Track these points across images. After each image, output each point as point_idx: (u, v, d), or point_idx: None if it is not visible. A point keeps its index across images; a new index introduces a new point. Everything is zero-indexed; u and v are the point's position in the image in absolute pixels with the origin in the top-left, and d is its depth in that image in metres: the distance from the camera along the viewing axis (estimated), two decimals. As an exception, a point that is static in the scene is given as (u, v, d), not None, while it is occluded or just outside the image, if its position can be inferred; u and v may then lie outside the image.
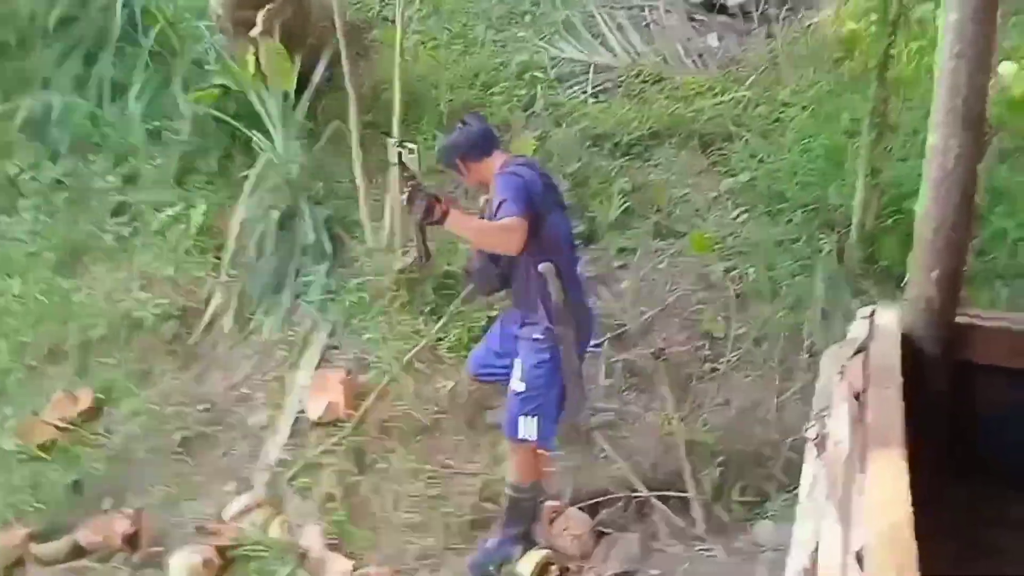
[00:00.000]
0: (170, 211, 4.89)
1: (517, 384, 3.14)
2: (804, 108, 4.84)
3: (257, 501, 3.71)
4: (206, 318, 4.48)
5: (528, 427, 3.12)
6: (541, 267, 3.02)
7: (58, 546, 3.63)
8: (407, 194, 2.86)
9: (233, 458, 4.00)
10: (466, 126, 3.19)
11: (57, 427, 4.01)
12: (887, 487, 1.47)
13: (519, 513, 3.35)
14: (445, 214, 2.85)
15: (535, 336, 3.12)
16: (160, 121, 5.18)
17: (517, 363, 3.16)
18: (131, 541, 3.65)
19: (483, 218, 3.15)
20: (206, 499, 3.81)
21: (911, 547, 1.29)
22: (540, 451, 3.28)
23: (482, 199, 3.31)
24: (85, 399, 4.13)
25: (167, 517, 3.75)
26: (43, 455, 3.93)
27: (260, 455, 3.96)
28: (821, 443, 1.97)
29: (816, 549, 1.93)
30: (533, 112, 5.18)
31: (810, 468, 2.08)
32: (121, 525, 3.65)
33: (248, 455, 3.99)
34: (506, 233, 2.93)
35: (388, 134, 4.11)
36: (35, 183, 5.22)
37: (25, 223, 5.05)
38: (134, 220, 5.00)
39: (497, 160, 3.14)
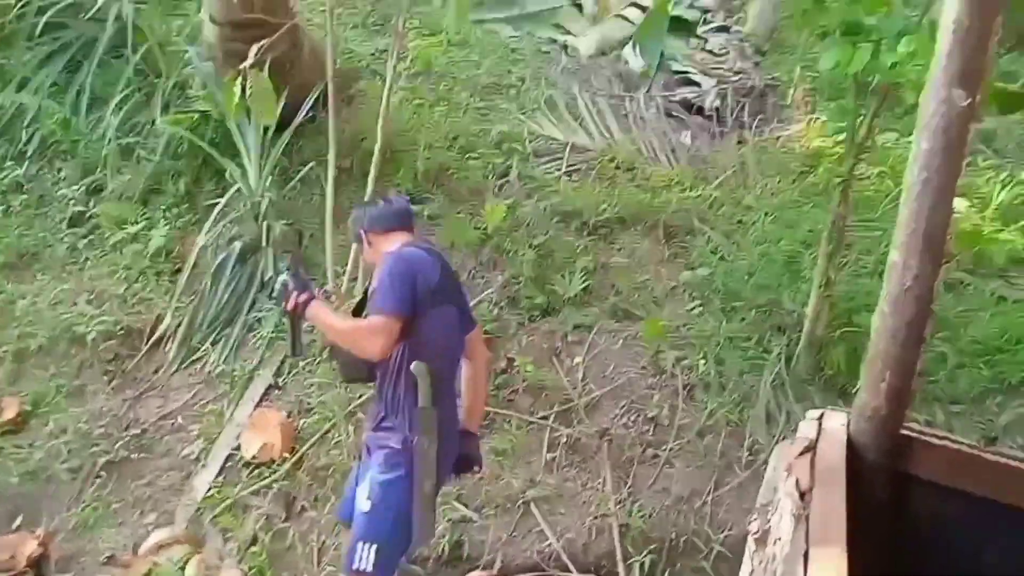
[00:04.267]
0: (130, 229, 4.82)
1: (362, 503, 2.64)
2: (766, 214, 5.02)
3: (176, 537, 3.58)
4: (151, 341, 4.38)
5: (365, 556, 2.59)
6: (413, 366, 2.60)
7: (-42, 560, 3.44)
8: (279, 285, 2.62)
9: (156, 488, 3.87)
10: (384, 202, 2.89)
11: (-23, 434, 3.84)
12: (828, 586, 1.49)
13: None
14: (303, 304, 2.56)
15: (390, 445, 2.65)
16: (134, 138, 5.14)
17: (366, 477, 2.67)
18: (37, 564, 3.49)
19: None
20: (123, 528, 3.68)
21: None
22: None
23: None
24: (11, 408, 3.98)
25: (79, 543, 3.59)
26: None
27: (186, 488, 3.84)
28: (762, 538, 1.99)
29: (748, 644, 1.94)
30: (507, 181, 5.28)
31: (748, 562, 2.10)
32: (29, 546, 3.50)
33: (173, 487, 3.87)
34: (370, 337, 2.54)
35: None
36: (-6, 182, 5.12)
37: (-23, 221, 4.94)
38: (91, 233, 4.92)
39: (397, 239, 2.76)
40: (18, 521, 3.68)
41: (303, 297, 2.55)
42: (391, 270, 2.60)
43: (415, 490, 2.61)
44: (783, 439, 3.64)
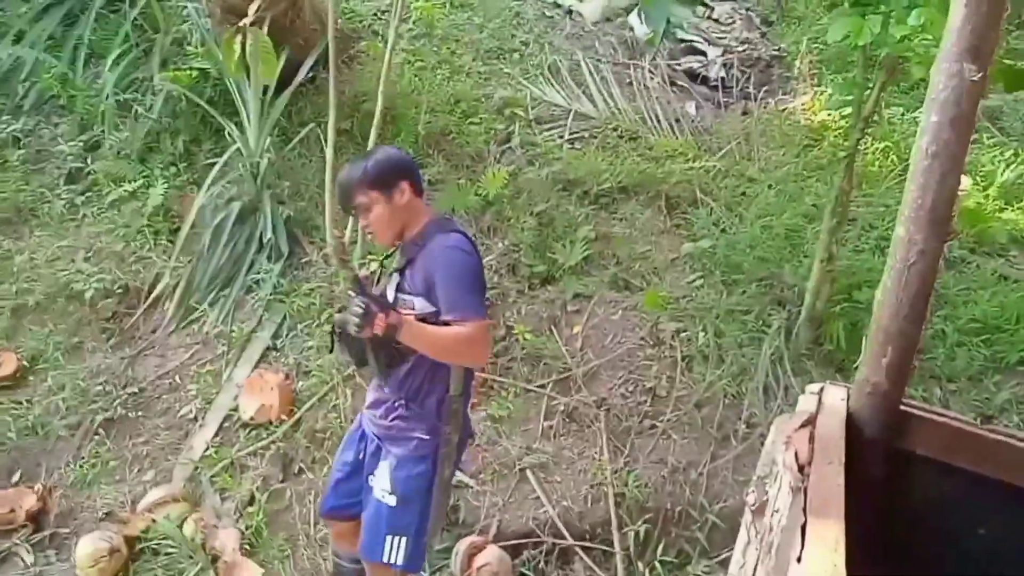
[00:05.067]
0: (128, 186, 4.78)
1: (385, 496, 2.55)
2: (770, 187, 5.00)
3: (174, 495, 3.59)
4: (149, 300, 4.36)
5: (395, 550, 2.55)
6: None
7: (-43, 513, 3.46)
8: (357, 305, 2.22)
9: (154, 447, 3.88)
10: (376, 156, 2.52)
11: (-25, 389, 3.84)
12: (825, 558, 1.50)
13: None
14: (395, 325, 2.24)
15: (416, 435, 2.52)
16: (132, 94, 5.08)
17: (383, 469, 2.56)
18: (36, 518, 3.51)
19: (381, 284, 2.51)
20: (121, 485, 3.69)
21: (844, 619, 1.32)
22: None
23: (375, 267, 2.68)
24: (9, 364, 3.97)
25: (78, 498, 3.61)
26: (-45, 417, 3.76)
27: (183, 447, 3.85)
28: (759, 509, 2.00)
29: (742, 613, 1.96)
30: (509, 147, 5.24)
31: (745, 532, 2.12)
32: (28, 501, 3.51)
33: (171, 446, 3.88)
34: (475, 346, 2.36)
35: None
36: (-9, 136, 5.06)
37: (-26, 176, 4.89)
38: (88, 190, 4.88)
39: (423, 211, 2.50)
40: (16, 476, 3.69)
41: (393, 318, 2.22)
42: (462, 270, 2.37)
43: (436, 478, 2.57)
44: (780, 412, 3.66)
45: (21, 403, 3.88)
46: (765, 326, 4.18)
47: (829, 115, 5.58)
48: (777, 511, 1.86)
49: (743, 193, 4.98)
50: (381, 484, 2.56)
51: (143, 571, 3.33)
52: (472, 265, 2.42)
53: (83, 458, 3.77)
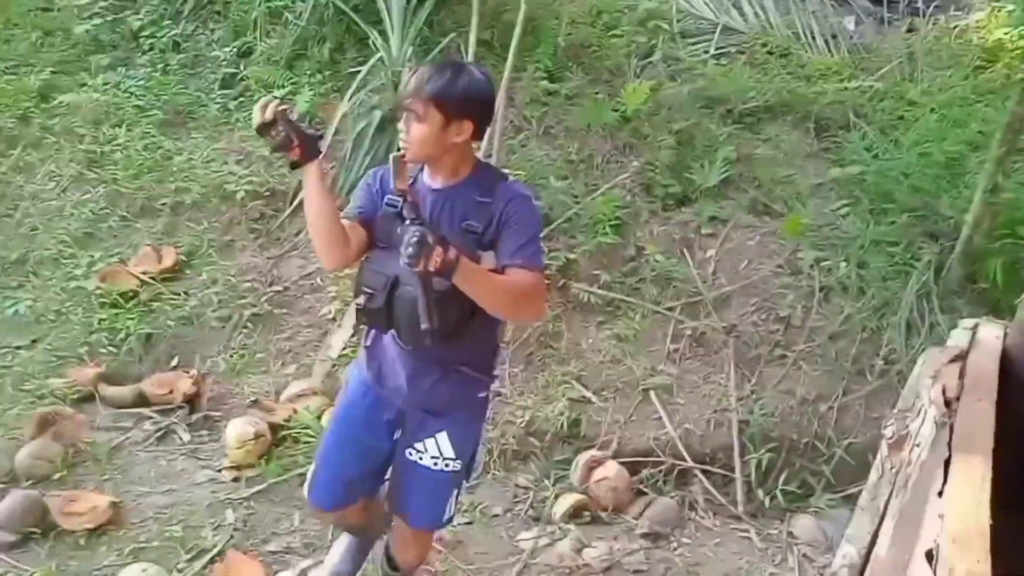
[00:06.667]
0: (277, 92, 4.94)
1: (450, 464, 2.30)
2: (932, 110, 4.64)
3: (313, 388, 3.81)
4: (294, 204, 4.55)
5: (454, 504, 2.40)
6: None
7: (125, 391, 3.80)
8: (413, 234, 1.81)
9: (296, 343, 4.10)
10: (467, 69, 2.09)
11: (139, 279, 4.16)
12: (968, 494, 1.43)
13: None
14: (453, 261, 1.86)
15: (478, 395, 2.31)
16: (283, 1, 5.21)
17: (440, 441, 2.29)
18: (191, 401, 3.80)
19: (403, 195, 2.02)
20: (266, 376, 3.93)
21: (985, 555, 1.27)
22: None
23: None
24: (169, 257, 4.26)
25: (228, 385, 3.88)
26: (123, 303, 4.09)
27: (323, 345, 4.05)
28: (897, 443, 1.93)
29: (869, 546, 1.91)
30: (650, 62, 5.07)
31: (879, 465, 2.05)
32: (184, 384, 3.79)
33: (311, 343, 4.09)
34: (536, 297, 2.12)
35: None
36: (153, 40, 5.34)
37: (139, 78, 5.18)
38: (241, 95, 5.09)
39: (471, 157, 2.17)
40: (175, 361, 3.99)
41: (452, 253, 1.86)
42: (536, 216, 2.14)
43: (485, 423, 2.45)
44: (923, 350, 3.47)
45: (179, 295, 4.16)
46: (914, 259, 3.95)
47: (1007, 33, 5.09)
48: (918, 445, 1.78)
49: (901, 117, 4.65)
50: (439, 454, 2.30)
51: (285, 456, 3.55)
52: (540, 216, 2.21)
53: (233, 349, 4.03)
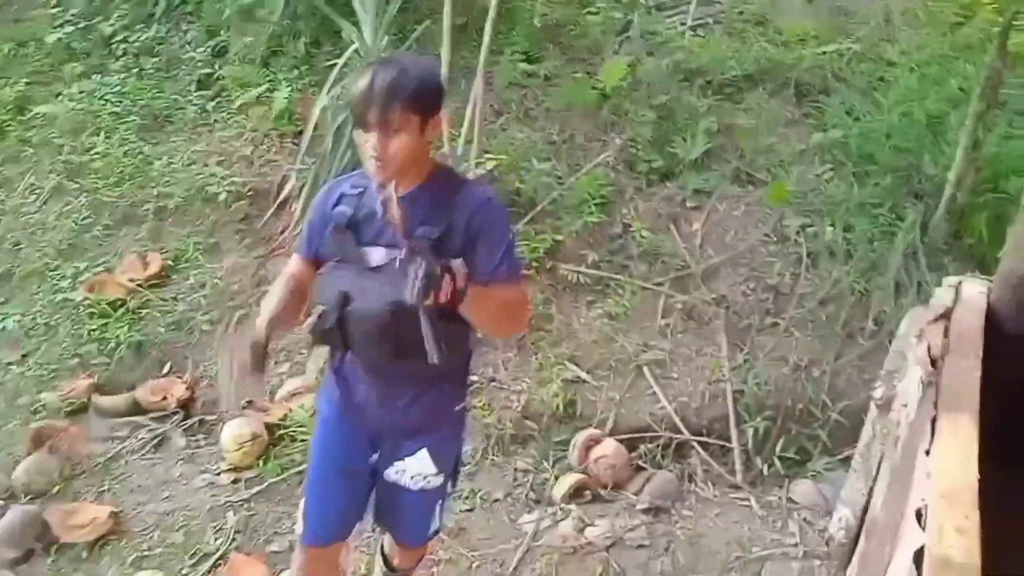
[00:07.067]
0: (254, 91, 4.92)
1: (431, 480, 2.17)
2: (911, 70, 4.63)
3: (307, 386, 3.80)
4: (277, 202, 4.53)
5: (441, 514, 2.30)
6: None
7: (119, 400, 3.80)
8: (420, 267, 1.67)
9: (289, 340, 4.07)
10: (423, 63, 1.94)
11: (126, 287, 4.14)
12: (955, 451, 1.44)
13: None
14: (462, 289, 1.75)
15: (455, 408, 2.16)
16: (254, -2, 5.18)
17: (420, 459, 2.13)
18: (186, 406, 3.80)
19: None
20: (259, 376, 3.92)
21: (973, 511, 1.27)
22: None
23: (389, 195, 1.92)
24: (155, 264, 4.24)
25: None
26: (111, 312, 4.07)
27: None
28: (886, 404, 1.94)
29: (864, 508, 1.92)
30: (627, 37, 5.05)
31: (869, 427, 2.06)
32: (178, 390, 3.79)
33: (303, 341, 4.06)
34: (526, 311, 2.05)
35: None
36: (126, 44, 5.30)
37: (114, 84, 5.15)
38: (217, 96, 5.06)
39: (428, 150, 1.93)
40: (167, 368, 3.98)
41: (461, 280, 1.74)
42: (508, 223, 1.97)
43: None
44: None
45: (167, 300, 4.15)
46: (899, 220, 3.95)
47: (983, -12, 5.06)
48: (905, 406, 1.79)
49: (880, 78, 4.64)
50: (419, 472, 2.16)
51: (282, 455, 3.55)
52: (508, 218, 2.01)
53: (225, 351, 4.02)
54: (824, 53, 4.82)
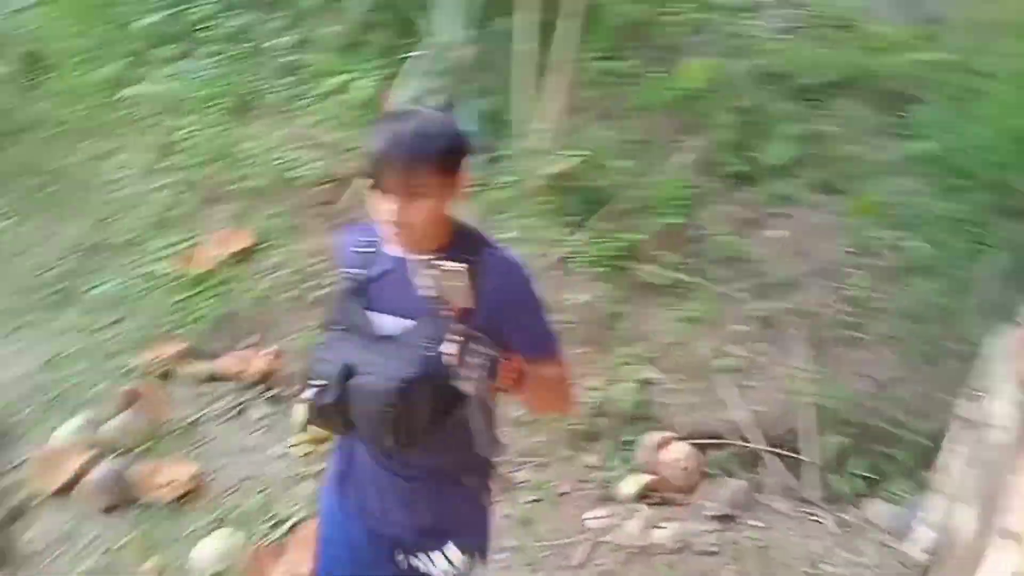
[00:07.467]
0: (335, 79, 5.00)
1: (463, 565, 1.90)
2: (1008, 81, 4.48)
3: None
4: (353, 188, 4.60)
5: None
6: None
7: (203, 368, 3.93)
8: (480, 356, 1.56)
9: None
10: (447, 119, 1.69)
11: (214, 262, 4.28)
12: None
13: None
14: (521, 373, 1.64)
15: (485, 503, 1.92)
16: (336, -11, 5.27)
17: (450, 550, 1.88)
18: (265, 379, 3.90)
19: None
20: (337, 356, 4.00)
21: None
22: None
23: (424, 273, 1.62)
24: (242, 241, 4.36)
25: (299, 364, 3.96)
26: (199, 284, 4.21)
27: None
28: (970, 424, 1.90)
29: (946, 530, 1.89)
30: (708, 39, 5.00)
31: (951, 447, 2.01)
32: (259, 362, 3.90)
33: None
34: (573, 390, 1.89)
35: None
36: (213, 31, 5.44)
37: (202, 68, 5.29)
38: (301, 83, 5.16)
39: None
40: (252, 339, 4.08)
41: (517, 361, 1.63)
42: (537, 293, 1.73)
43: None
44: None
45: (251, 277, 4.26)
46: (988, 237, 3.84)
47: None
48: (993, 426, 1.76)
49: (976, 89, 4.50)
50: (449, 565, 1.90)
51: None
52: (536, 285, 1.75)
53: (304, 328, 4.11)
54: (916, 61, 4.71)
